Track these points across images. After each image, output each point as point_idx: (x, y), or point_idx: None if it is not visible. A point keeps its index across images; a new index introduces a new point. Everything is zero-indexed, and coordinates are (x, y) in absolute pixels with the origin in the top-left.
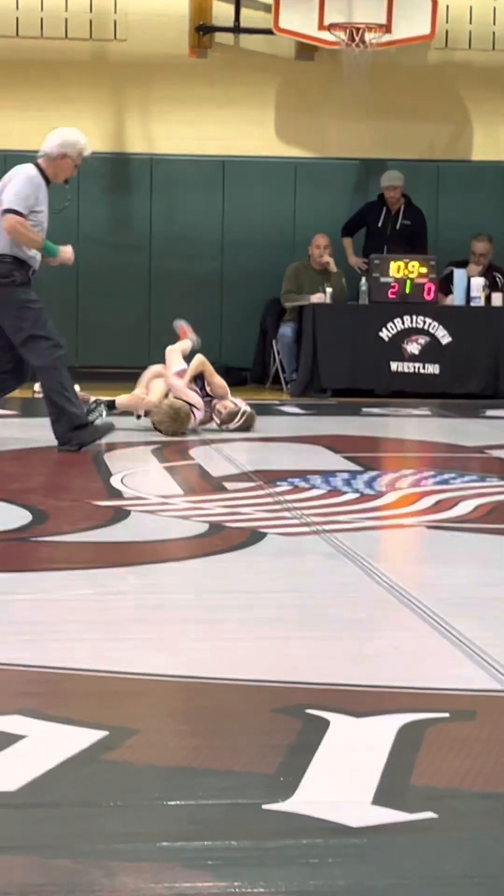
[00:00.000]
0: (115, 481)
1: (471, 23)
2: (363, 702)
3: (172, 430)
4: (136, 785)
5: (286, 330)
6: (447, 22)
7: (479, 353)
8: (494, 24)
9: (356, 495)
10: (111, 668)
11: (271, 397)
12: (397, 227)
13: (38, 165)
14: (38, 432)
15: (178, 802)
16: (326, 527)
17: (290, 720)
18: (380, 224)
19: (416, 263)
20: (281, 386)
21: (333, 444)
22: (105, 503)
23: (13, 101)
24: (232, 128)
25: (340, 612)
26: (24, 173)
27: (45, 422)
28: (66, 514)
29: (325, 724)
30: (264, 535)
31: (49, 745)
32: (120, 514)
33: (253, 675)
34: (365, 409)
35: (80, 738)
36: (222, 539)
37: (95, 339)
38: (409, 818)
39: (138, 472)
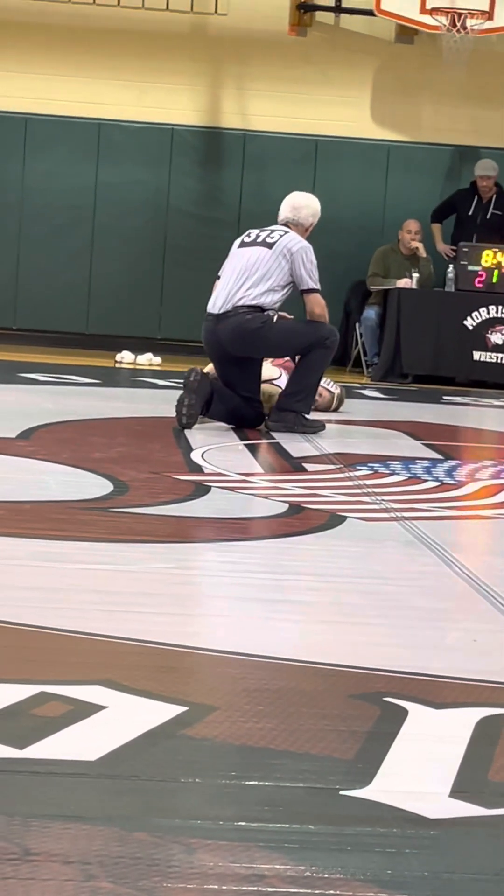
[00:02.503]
0: (195, 456)
1: None
2: (441, 693)
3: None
4: (213, 763)
5: (370, 313)
6: None
7: None
8: None
9: (436, 484)
10: (191, 644)
11: (352, 380)
12: (488, 216)
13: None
14: (119, 403)
15: (255, 783)
16: (406, 514)
17: (369, 707)
18: (470, 212)
19: None
20: (361, 368)
21: (414, 430)
22: (186, 477)
23: (111, 70)
24: (327, 108)
25: (418, 600)
26: (305, 247)
27: (127, 391)
28: (147, 487)
29: (404, 713)
30: (344, 518)
31: (129, 717)
32: (200, 490)
33: (331, 658)
34: (446, 397)
35: (159, 712)
36: (301, 520)
37: (177, 311)
38: (486, 813)
39: (219, 449)
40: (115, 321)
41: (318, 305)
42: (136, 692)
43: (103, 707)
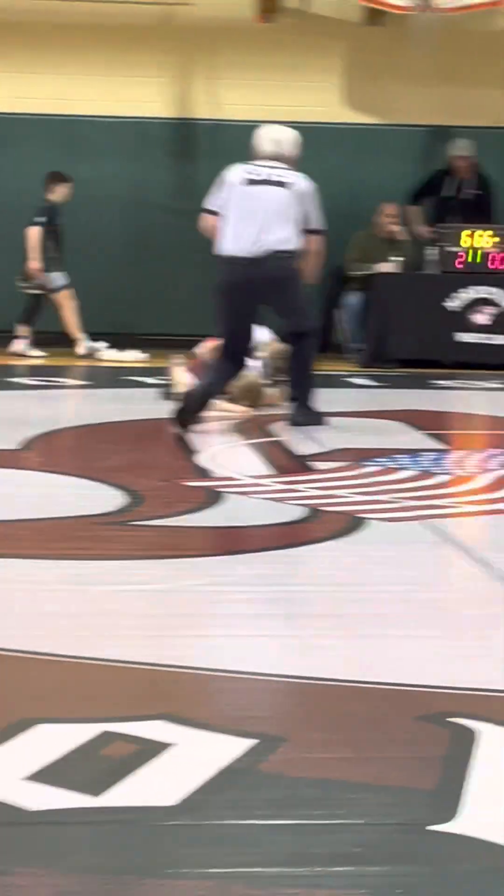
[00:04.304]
0: (202, 459)
1: None
2: None
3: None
4: (296, 802)
5: (352, 298)
6: None
7: None
8: None
9: (448, 477)
10: (242, 669)
11: (338, 367)
12: (465, 196)
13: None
14: (113, 405)
15: (341, 821)
16: (426, 511)
17: (436, 730)
18: (448, 193)
19: (484, 233)
20: (344, 355)
21: (413, 419)
22: (197, 483)
23: (80, 66)
24: (298, 94)
25: (459, 607)
26: (313, 186)
27: (119, 392)
28: (160, 496)
29: (472, 734)
30: (364, 520)
31: (198, 754)
32: (213, 497)
33: (386, 677)
34: (436, 382)
35: (227, 747)
36: (323, 525)
37: (156, 305)
38: None
39: (223, 450)
40: (94, 317)
41: (321, 247)
42: (198, 725)
43: (170, 744)
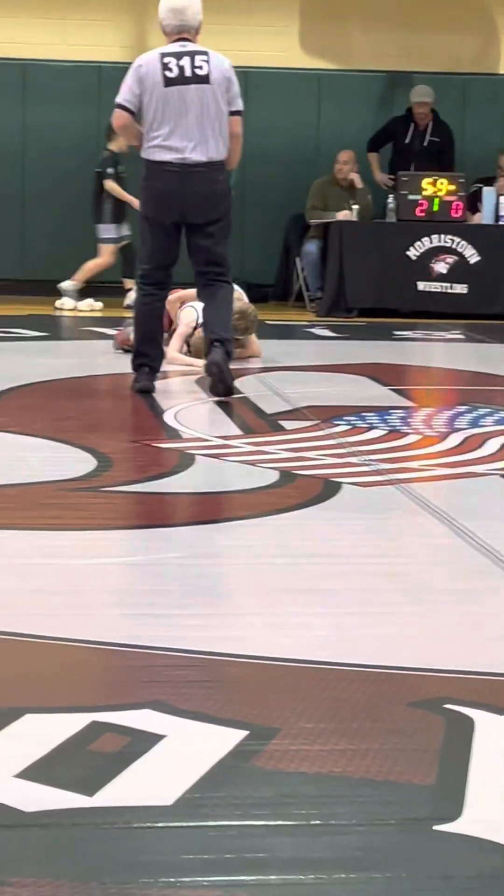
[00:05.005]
0: (168, 418)
1: None
2: (501, 693)
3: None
4: (294, 799)
5: (311, 247)
6: None
7: None
8: None
9: (418, 437)
10: (230, 651)
11: (297, 317)
12: (425, 143)
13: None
14: (74, 359)
15: (345, 822)
16: (399, 475)
17: (432, 718)
18: (407, 140)
19: (444, 181)
20: (304, 304)
21: (376, 373)
22: (167, 445)
23: (33, 9)
24: (254, 38)
25: (444, 582)
26: (228, 66)
27: (78, 345)
28: (131, 460)
29: (470, 722)
30: (339, 485)
31: (191, 747)
32: (185, 460)
33: (375, 659)
34: (397, 332)
35: (221, 739)
36: (297, 490)
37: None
38: None
39: (190, 407)
40: (51, 266)
41: (240, 129)
42: (189, 715)
43: (161, 736)
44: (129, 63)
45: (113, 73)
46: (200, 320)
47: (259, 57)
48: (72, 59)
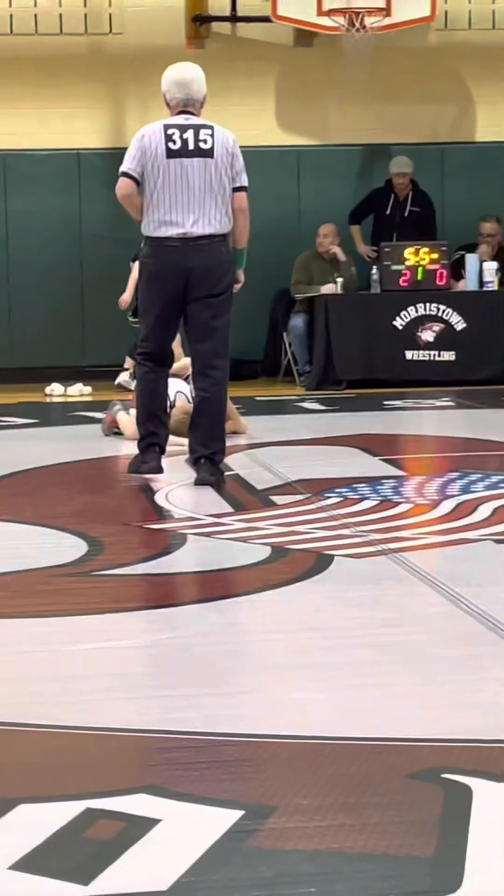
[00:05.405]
0: (159, 499)
1: (470, 2)
2: (499, 760)
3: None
4: (292, 878)
5: (297, 321)
6: (446, 3)
7: (495, 338)
8: (494, 2)
9: (409, 506)
10: (226, 731)
11: (285, 392)
12: (406, 213)
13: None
14: (64, 445)
15: None
16: (391, 545)
17: (430, 788)
18: (388, 211)
19: (427, 249)
20: (293, 378)
21: (367, 444)
22: (158, 526)
23: (8, 99)
24: (232, 119)
25: (440, 650)
26: (233, 140)
27: (68, 431)
28: (122, 542)
29: (468, 791)
30: (331, 558)
31: (186, 830)
32: (177, 540)
33: (372, 732)
34: (386, 402)
35: (216, 820)
36: (289, 565)
37: (100, 336)
38: None
39: (180, 487)
40: (39, 352)
41: (246, 204)
42: (184, 798)
43: (157, 820)
44: (107, 148)
45: (92, 159)
46: (171, 398)
47: (239, 137)
48: (51, 148)
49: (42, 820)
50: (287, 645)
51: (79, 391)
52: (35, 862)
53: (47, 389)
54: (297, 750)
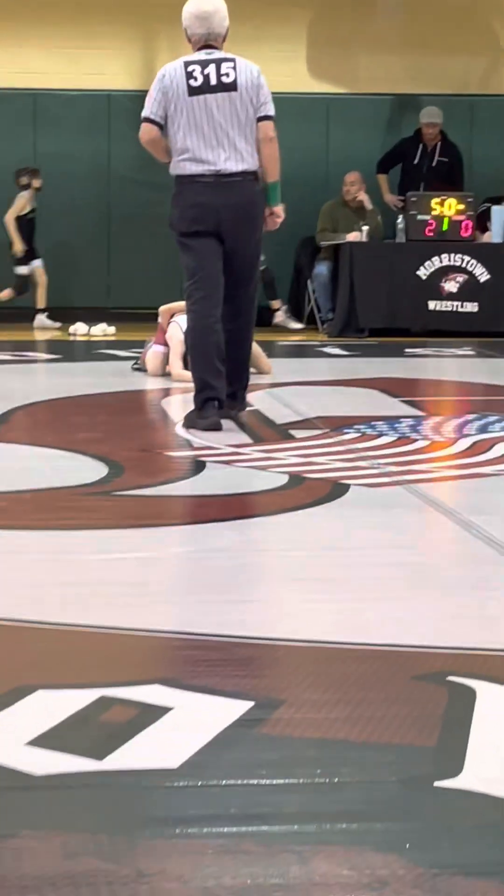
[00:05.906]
0: (180, 429)
1: None
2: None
3: None
4: (298, 761)
5: (322, 269)
6: None
7: None
8: None
9: (426, 442)
10: (238, 633)
11: (308, 338)
12: (434, 163)
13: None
14: (87, 378)
15: (347, 780)
16: (407, 476)
17: (435, 688)
18: (416, 161)
19: (453, 200)
20: (316, 325)
21: (388, 387)
22: (178, 454)
23: (42, 38)
24: (263, 64)
25: (449, 570)
26: (257, 72)
27: (91, 366)
28: (142, 467)
29: (472, 692)
30: (347, 486)
31: (197, 717)
32: (196, 466)
33: (382, 639)
34: (408, 350)
35: (227, 710)
36: (306, 491)
37: (126, 279)
38: None
39: None
40: (65, 292)
41: (273, 133)
42: (196, 689)
43: (169, 708)
44: (138, 91)
45: (122, 101)
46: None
47: (270, 82)
48: (81, 88)
49: (59, 704)
50: (301, 562)
51: (102, 331)
52: (52, 739)
53: (71, 329)
54: (308, 652)
